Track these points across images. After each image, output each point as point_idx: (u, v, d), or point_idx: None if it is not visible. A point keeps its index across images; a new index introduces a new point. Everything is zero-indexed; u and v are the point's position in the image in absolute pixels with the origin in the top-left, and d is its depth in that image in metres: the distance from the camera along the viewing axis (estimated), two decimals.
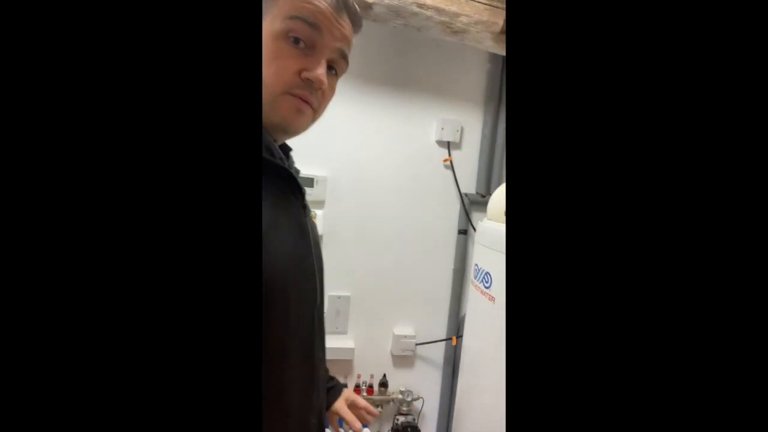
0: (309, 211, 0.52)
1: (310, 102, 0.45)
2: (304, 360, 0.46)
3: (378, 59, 1.21)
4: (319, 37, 0.43)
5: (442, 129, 1.25)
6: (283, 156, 0.47)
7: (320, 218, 1.20)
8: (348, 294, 1.25)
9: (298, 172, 0.51)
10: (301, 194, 0.49)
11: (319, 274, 0.52)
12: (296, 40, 0.42)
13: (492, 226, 0.80)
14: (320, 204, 1.22)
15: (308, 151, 1.21)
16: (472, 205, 1.28)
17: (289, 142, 0.53)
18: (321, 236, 1.22)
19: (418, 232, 1.29)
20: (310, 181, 1.20)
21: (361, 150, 1.24)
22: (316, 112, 0.48)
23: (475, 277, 0.84)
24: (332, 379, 0.71)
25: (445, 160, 1.27)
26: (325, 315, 1.18)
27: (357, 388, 1.23)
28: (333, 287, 1.24)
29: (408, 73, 1.23)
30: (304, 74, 0.43)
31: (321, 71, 0.43)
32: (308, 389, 0.47)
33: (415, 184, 1.27)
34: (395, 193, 1.27)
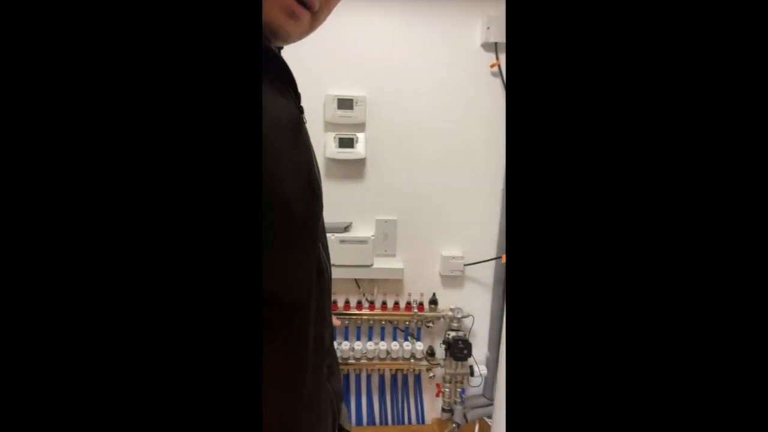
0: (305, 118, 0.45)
1: (309, 4, 0.37)
2: (319, 274, 0.42)
3: None
4: None
5: (488, 28, 1.11)
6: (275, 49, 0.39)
7: (362, 141, 1.16)
8: (395, 218, 1.25)
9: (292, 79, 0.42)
10: (297, 94, 0.41)
11: (320, 188, 0.46)
12: None
13: None
14: (360, 126, 1.18)
15: (343, 71, 1.14)
16: None
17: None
18: (364, 159, 1.19)
19: (464, 150, 1.21)
20: (350, 103, 1.14)
21: (399, 63, 1.16)
22: (316, 18, 0.39)
23: None
24: None
25: (493, 65, 1.14)
26: (374, 239, 1.21)
27: (408, 305, 1.28)
28: (379, 211, 1.24)
29: None
30: None
31: None
32: (320, 300, 0.43)
33: (460, 95, 1.17)
34: (438, 109, 1.19)
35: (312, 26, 0.40)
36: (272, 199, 0.34)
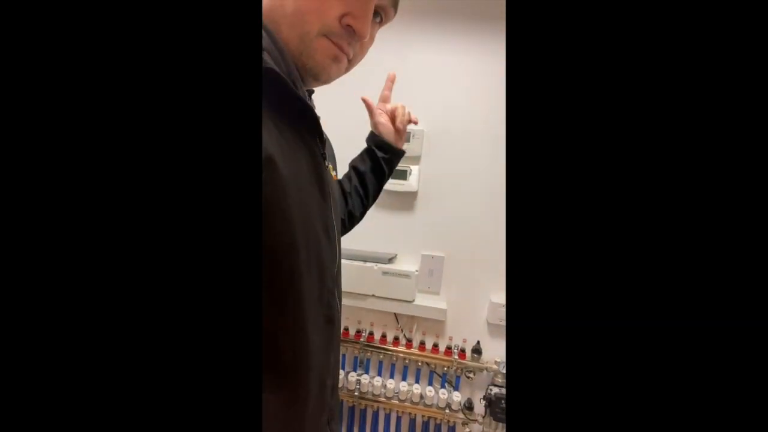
0: (328, 163, 0.47)
1: (346, 51, 0.41)
2: (325, 321, 0.43)
3: None
4: None
5: None
6: (307, 96, 0.42)
7: (415, 174, 1.14)
8: (442, 255, 1.19)
9: (318, 118, 0.45)
10: (321, 141, 0.44)
11: (339, 236, 0.47)
12: None
13: None
14: (416, 159, 1.16)
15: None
16: None
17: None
18: (416, 192, 1.17)
19: None
20: (407, 135, 1.13)
21: (458, 98, 1.13)
22: (351, 63, 0.43)
23: None
24: None
25: None
26: (418, 274, 1.16)
27: (448, 350, 1.19)
28: (427, 247, 1.20)
29: None
30: (346, 20, 0.38)
31: (366, 21, 0.38)
32: (327, 348, 0.44)
33: None
34: (495, 145, 1.13)
35: (347, 69, 0.44)
36: (282, 247, 0.35)
